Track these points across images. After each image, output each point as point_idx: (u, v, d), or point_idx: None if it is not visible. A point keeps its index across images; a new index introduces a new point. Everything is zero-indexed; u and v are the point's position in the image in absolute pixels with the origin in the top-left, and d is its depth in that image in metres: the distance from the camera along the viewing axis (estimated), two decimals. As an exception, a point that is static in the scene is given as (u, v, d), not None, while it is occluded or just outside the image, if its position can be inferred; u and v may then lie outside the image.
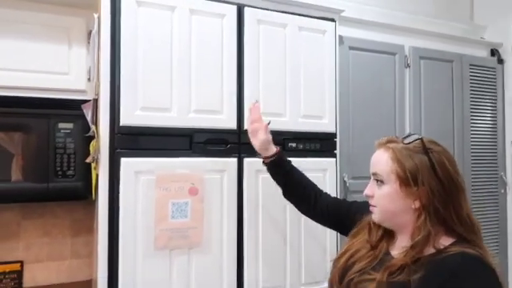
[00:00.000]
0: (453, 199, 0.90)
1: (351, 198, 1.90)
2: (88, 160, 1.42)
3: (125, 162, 1.30)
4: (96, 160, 1.36)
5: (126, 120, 1.31)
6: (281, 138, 1.55)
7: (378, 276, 0.91)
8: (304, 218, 1.40)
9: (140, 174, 1.31)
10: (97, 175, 1.45)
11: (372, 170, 0.99)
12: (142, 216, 1.30)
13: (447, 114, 2.28)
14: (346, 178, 1.88)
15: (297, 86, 1.59)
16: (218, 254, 1.41)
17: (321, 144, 1.65)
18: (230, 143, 1.46)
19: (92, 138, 1.52)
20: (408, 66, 2.15)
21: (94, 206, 1.82)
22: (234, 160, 1.46)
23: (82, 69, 1.59)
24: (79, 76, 1.59)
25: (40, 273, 1.83)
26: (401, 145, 0.95)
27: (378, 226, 1.02)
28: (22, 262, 1.80)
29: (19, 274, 1.79)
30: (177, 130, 1.38)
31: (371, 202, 0.99)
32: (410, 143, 0.94)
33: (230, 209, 1.43)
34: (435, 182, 0.89)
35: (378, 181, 0.97)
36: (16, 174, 1.50)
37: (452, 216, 0.90)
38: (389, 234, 1.02)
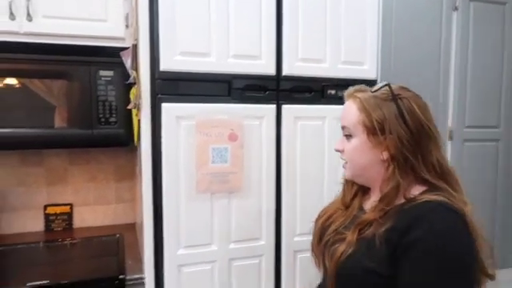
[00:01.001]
0: (422, 147, 0.86)
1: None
2: (130, 106, 1.45)
3: (166, 108, 1.31)
4: (137, 106, 1.38)
5: (165, 65, 1.31)
6: (320, 84, 1.52)
7: (349, 235, 0.89)
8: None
9: (181, 119, 1.32)
10: (138, 121, 1.49)
11: (341, 124, 0.96)
12: (184, 160, 1.33)
13: (496, 62, 2.14)
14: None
15: (337, 30, 1.52)
16: (257, 199, 1.44)
17: (361, 91, 1.60)
18: (268, 90, 1.44)
19: (132, 85, 1.55)
20: (456, 8, 2.01)
21: (136, 152, 1.88)
22: (273, 106, 1.44)
23: (120, 16, 1.57)
24: (117, 23, 1.57)
25: (88, 215, 1.95)
26: (368, 93, 0.91)
27: (352, 184, 1.01)
28: (71, 205, 1.92)
29: (69, 215, 1.92)
30: (216, 75, 1.37)
31: (342, 157, 0.98)
32: (377, 91, 0.91)
33: (268, 155, 1.44)
34: (403, 129, 0.85)
35: (346, 135, 0.95)
36: (60, 121, 1.56)
37: (420, 164, 0.86)
38: (363, 191, 1.01)
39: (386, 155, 0.88)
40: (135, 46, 1.41)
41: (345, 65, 1.54)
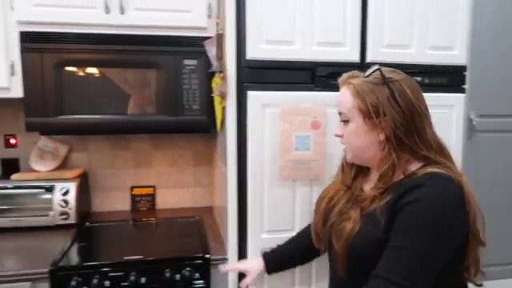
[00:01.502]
0: (416, 126, 0.91)
1: (477, 138, 1.75)
2: (215, 94, 1.50)
3: (252, 95, 1.34)
4: (223, 94, 1.42)
5: (251, 54, 1.33)
6: (406, 71, 1.45)
7: (352, 213, 0.95)
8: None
9: (266, 106, 1.35)
10: (223, 109, 1.54)
11: (337, 110, 1.02)
12: (268, 147, 1.36)
13: None
14: (472, 116, 1.73)
15: (425, 13, 1.44)
16: (338, 187, 1.43)
17: (448, 78, 1.52)
18: (351, 77, 1.42)
19: (214, 73, 1.60)
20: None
21: (215, 138, 1.95)
22: (356, 94, 1.42)
23: (203, 6, 1.63)
24: (200, 13, 1.63)
25: (169, 197, 2.07)
26: (361, 79, 0.95)
27: (351, 166, 1.06)
28: (154, 187, 2.05)
29: (153, 197, 2.05)
30: (299, 63, 1.37)
31: (341, 141, 1.03)
32: (369, 76, 0.95)
33: (350, 143, 1.43)
34: (396, 111, 0.90)
35: (344, 121, 1.00)
36: (149, 108, 1.66)
37: (417, 142, 0.91)
38: (363, 172, 1.06)
39: (382, 137, 0.93)
40: (220, 36, 1.45)
41: (433, 50, 1.47)
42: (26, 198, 1.72)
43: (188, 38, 1.64)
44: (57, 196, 1.72)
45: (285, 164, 1.37)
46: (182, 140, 2.05)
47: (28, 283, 1.34)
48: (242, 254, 1.43)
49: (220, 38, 1.44)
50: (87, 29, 1.56)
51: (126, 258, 1.43)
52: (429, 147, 0.93)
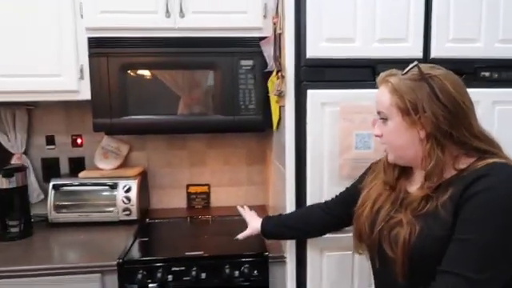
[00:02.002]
0: (461, 121, 0.88)
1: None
2: (272, 94, 1.51)
3: (311, 94, 1.34)
4: (281, 93, 1.43)
5: (311, 52, 1.33)
6: (472, 66, 1.40)
7: (402, 217, 0.92)
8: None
9: (325, 105, 1.34)
10: (279, 108, 1.55)
11: (376, 109, 0.99)
12: (328, 145, 1.35)
13: None
14: (543, 113, 1.62)
15: (495, 4, 1.37)
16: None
17: (519, 72, 1.44)
18: (413, 74, 1.38)
19: (270, 73, 1.61)
20: None
21: (267, 137, 1.96)
22: (419, 91, 1.37)
23: (259, 7, 1.64)
24: (256, 14, 1.65)
25: (223, 195, 2.12)
26: (399, 76, 0.94)
27: (393, 166, 1.02)
28: (209, 185, 2.10)
29: (207, 194, 2.10)
30: (360, 60, 1.35)
31: (381, 141, 1.01)
32: (406, 73, 0.93)
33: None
34: (438, 107, 0.87)
35: (382, 119, 0.97)
36: (207, 108, 1.70)
37: (466, 135, 0.89)
38: (406, 172, 1.02)
39: (422, 134, 0.90)
40: (279, 36, 1.46)
41: (503, 43, 1.39)
42: (92, 194, 1.83)
43: (244, 39, 1.66)
44: (120, 193, 1.80)
45: (344, 163, 1.36)
46: (236, 139, 2.08)
47: (98, 275, 1.42)
48: (301, 253, 1.43)
49: (278, 38, 1.45)
50: (149, 33, 1.63)
51: (187, 253, 1.48)
52: (478, 140, 0.90)
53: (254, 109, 1.69)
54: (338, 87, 1.34)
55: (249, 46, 1.66)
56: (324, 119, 1.35)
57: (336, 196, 1.29)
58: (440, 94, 0.88)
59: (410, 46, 1.36)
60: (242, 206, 1.54)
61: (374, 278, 1.10)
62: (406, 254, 0.90)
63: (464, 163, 0.90)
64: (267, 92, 1.66)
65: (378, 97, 0.99)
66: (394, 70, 0.97)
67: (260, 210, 2.01)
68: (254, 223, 1.41)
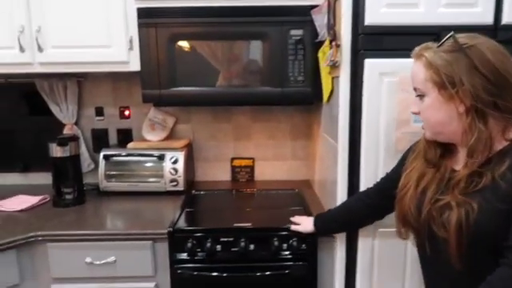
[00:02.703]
0: (506, 89, 0.83)
1: None
2: (325, 64, 1.46)
3: (369, 64, 1.27)
4: (335, 63, 1.37)
5: (370, 19, 1.26)
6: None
7: (450, 199, 0.87)
8: None
9: (384, 75, 1.27)
10: (332, 79, 1.49)
11: (412, 86, 0.96)
12: (384, 118, 1.29)
13: None
14: None
15: None
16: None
17: None
18: (481, 42, 1.28)
19: (320, 43, 1.55)
20: None
21: (312, 112, 1.92)
22: (486, 61, 1.27)
23: (311, -28, 1.57)
24: (308, -20, 1.58)
25: (267, 169, 2.10)
26: (434, 49, 0.89)
27: (434, 143, 0.97)
28: (253, 159, 2.09)
29: (252, 168, 2.09)
30: (423, 27, 1.26)
31: (420, 118, 0.96)
32: (442, 45, 0.88)
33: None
34: (478, 78, 0.83)
35: (419, 96, 0.93)
36: (254, 80, 1.67)
37: (509, 106, 0.84)
38: (450, 151, 0.97)
39: (461, 108, 0.86)
40: (334, 3, 1.38)
41: None
42: (140, 165, 1.86)
43: (294, 8, 1.61)
44: (167, 164, 1.83)
45: (402, 136, 1.29)
46: (281, 113, 2.04)
47: (150, 242, 1.45)
48: (352, 232, 1.40)
49: (333, 5, 1.38)
50: (198, 2, 1.60)
51: (236, 224, 1.48)
52: None
53: (302, 80, 1.64)
54: (397, 56, 1.26)
55: (299, 14, 1.60)
56: (382, 90, 1.28)
57: (377, 182, 1.26)
58: (479, 64, 0.83)
59: (479, 11, 1.25)
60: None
61: (423, 267, 1.06)
62: (464, 234, 0.85)
63: None
64: (317, 63, 1.61)
65: (412, 72, 0.95)
66: (429, 43, 0.93)
67: (304, 184, 2.00)
68: (307, 223, 1.42)
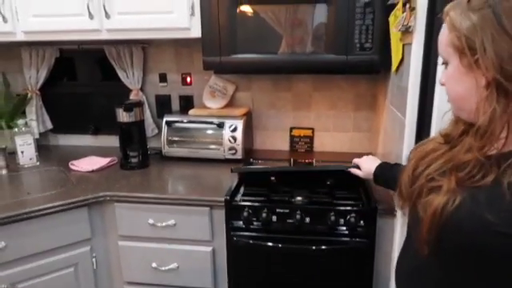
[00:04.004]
0: None
1: None
2: (396, 29, 1.33)
3: (447, 29, 1.13)
4: (408, 29, 1.25)
5: (453, -23, 1.11)
6: None
7: (445, 183, 0.73)
8: None
9: (464, 43, 1.13)
10: (403, 46, 1.36)
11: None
12: (462, 92, 1.16)
13: None
14: None
15: None
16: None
17: None
18: None
19: (392, 7, 1.41)
20: None
21: (379, 80, 1.79)
22: None
23: None
24: None
25: (327, 140, 2.04)
26: (462, 6, 0.71)
27: (461, 122, 0.79)
28: (313, 129, 2.03)
29: (311, 139, 2.04)
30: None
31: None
32: (470, 0, 0.69)
33: None
34: (505, 42, 0.64)
35: (444, 64, 0.77)
36: (317, 47, 1.58)
37: None
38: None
39: (482, 81, 0.68)
40: (411, -41, 1.24)
41: None
42: (200, 132, 1.89)
43: (365, -34, 1.46)
44: (226, 132, 1.84)
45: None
46: (343, 82, 1.94)
47: (207, 208, 1.49)
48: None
49: (410, -38, 1.24)
50: (260, -37, 1.52)
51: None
52: None
53: (370, 48, 1.52)
54: (483, 21, 1.11)
55: (370, -26, 1.46)
56: (460, 60, 1.14)
57: None
58: (508, 25, 0.65)
59: None
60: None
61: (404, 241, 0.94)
62: (435, 223, 0.72)
63: None
64: (387, 29, 1.48)
65: (440, 36, 0.78)
66: (460, 0, 0.73)
67: (366, 158, 1.91)
68: (368, 167, 1.36)
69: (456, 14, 0.72)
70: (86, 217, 1.52)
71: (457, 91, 0.76)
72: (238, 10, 1.58)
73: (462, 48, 0.70)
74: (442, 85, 0.81)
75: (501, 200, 0.66)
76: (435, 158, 0.82)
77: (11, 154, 1.87)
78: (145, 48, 2.03)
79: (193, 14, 1.63)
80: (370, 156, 1.42)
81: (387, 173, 1.29)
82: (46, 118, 2.18)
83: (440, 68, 0.83)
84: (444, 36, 0.76)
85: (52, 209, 1.44)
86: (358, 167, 1.41)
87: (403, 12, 1.28)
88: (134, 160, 1.83)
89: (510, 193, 0.65)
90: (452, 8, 0.74)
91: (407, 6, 1.24)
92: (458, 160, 0.75)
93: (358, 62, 1.55)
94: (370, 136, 1.98)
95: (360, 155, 1.92)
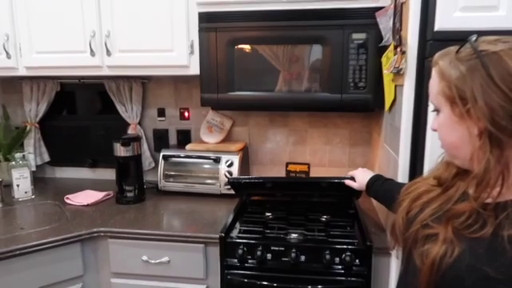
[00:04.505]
0: None
1: None
2: (388, 71, 1.37)
3: (437, 73, 1.17)
4: (399, 71, 1.28)
5: (441, 23, 1.15)
6: None
7: (440, 230, 0.73)
8: None
9: (454, 86, 1.16)
10: (395, 87, 1.40)
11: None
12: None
13: None
14: None
15: None
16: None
17: None
18: None
19: (384, 48, 1.46)
20: None
21: (373, 117, 1.83)
22: None
23: (375, -28, 1.48)
24: (372, -19, 1.49)
25: (322, 175, 2.04)
26: (451, 56, 0.73)
27: (453, 165, 0.80)
28: (308, 165, 2.04)
29: (307, 174, 2.04)
30: (504, 33, 1.07)
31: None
32: (459, 50, 0.72)
33: None
34: (495, 93, 0.66)
35: (436, 110, 0.78)
36: (313, 85, 1.62)
37: None
38: (469, 175, 0.76)
39: (475, 130, 0.69)
40: (401, 5, 1.29)
41: None
42: (197, 166, 1.90)
43: (357, 10, 1.53)
44: (223, 167, 1.85)
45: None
46: (339, 118, 1.97)
47: (202, 245, 1.48)
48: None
49: (400, 8, 1.29)
50: (257, 6, 1.59)
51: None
52: None
53: (364, 87, 1.56)
54: (471, 65, 1.15)
55: (362, 17, 1.52)
56: (451, 102, 1.17)
57: None
58: (497, 76, 0.66)
59: None
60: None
61: (397, 283, 0.92)
62: (434, 274, 0.71)
63: None
64: (380, 69, 1.52)
65: (430, 83, 0.79)
66: (451, 48, 0.75)
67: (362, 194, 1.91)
68: (362, 179, 1.43)
69: (445, 64, 0.74)
70: (78, 253, 1.50)
71: (450, 139, 0.77)
72: (235, 50, 1.62)
73: (453, 97, 0.71)
74: (434, 130, 0.82)
75: (501, 254, 0.65)
76: (429, 202, 0.82)
77: (6, 187, 1.87)
78: (144, 83, 2.07)
79: (192, 52, 1.68)
80: (365, 168, 1.48)
81: (379, 187, 1.36)
82: (44, 150, 2.19)
83: (432, 110, 0.84)
84: (434, 84, 0.77)
85: (44, 245, 1.43)
86: (353, 179, 1.47)
87: (395, 54, 1.32)
88: (129, 194, 1.83)
89: (510, 247, 0.64)
90: (441, 57, 0.76)
91: (398, 49, 1.28)
92: (454, 209, 0.75)
93: (352, 100, 1.58)
94: (366, 172, 1.99)
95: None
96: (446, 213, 0.76)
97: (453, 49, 0.75)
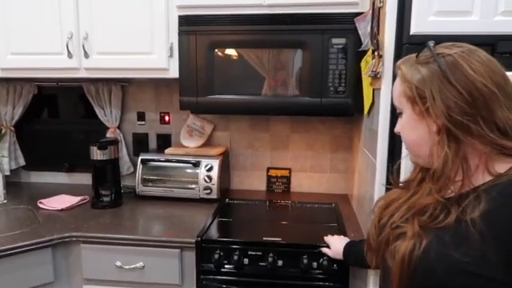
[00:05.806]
0: (481, 112, 0.70)
1: None
2: (366, 75, 1.38)
3: (413, 76, 1.18)
4: (376, 74, 1.29)
5: (417, 28, 1.16)
6: None
7: (408, 228, 0.75)
8: None
9: (429, 89, 1.17)
10: (373, 91, 1.40)
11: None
12: (429, 136, 1.19)
13: None
14: None
15: None
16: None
17: None
18: (545, 54, 1.14)
19: (363, 53, 1.47)
20: None
21: (354, 123, 1.83)
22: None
23: (354, -21, 1.50)
24: (352, -13, 1.51)
25: (304, 181, 2.04)
26: (411, 60, 0.80)
27: (418, 168, 0.85)
28: (290, 170, 2.03)
29: (288, 179, 2.04)
30: (477, 37, 1.13)
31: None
32: (419, 55, 0.79)
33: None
34: (450, 92, 0.71)
35: (399, 114, 0.84)
36: (293, 89, 1.61)
37: (484, 129, 0.70)
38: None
39: (434, 127, 0.75)
40: (378, 10, 1.30)
41: None
42: (176, 171, 1.87)
43: (337, 15, 1.55)
44: (202, 171, 1.82)
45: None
46: (320, 124, 1.97)
47: (178, 250, 1.45)
48: (388, 251, 1.30)
49: (377, 12, 1.30)
50: (238, 10, 1.59)
51: (265, 238, 1.43)
52: (506, 136, 0.71)
53: (343, 91, 1.57)
54: (446, 69, 1.16)
55: (342, 22, 1.53)
56: (426, 105, 1.18)
57: None
58: (452, 76, 0.72)
59: (543, 19, 1.12)
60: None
61: None
62: (405, 269, 0.73)
63: (502, 166, 0.71)
64: (359, 74, 1.53)
65: (393, 86, 0.85)
66: (412, 55, 0.82)
67: (341, 198, 1.92)
68: (338, 247, 1.33)
69: (407, 68, 0.80)
70: (49, 259, 1.45)
71: (411, 138, 0.81)
72: (215, 53, 1.61)
73: (414, 97, 0.77)
74: (398, 133, 0.87)
75: (466, 238, 0.68)
76: (398, 207, 0.85)
77: (-22, 191, 1.81)
78: (124, 86, 2.04)
79: (171, 55, 1.66)
80: (341, 236, 1.40)
81: (354, 248, 1.27)
82: (20, 154, 2.13)
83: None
84: (397, 87, 0.83)
85: (13, 250, 1.37)
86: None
87: (373, 58, 1.33)
88: (105, 199, 1.78)
89: (474, 230, 0.67)
90: (403, 62, 0.83)
91: (376, 53, 1.29)
92: (419, 204, 0.78)
93: (332, 104, 1.58)
94: (347, 177, 1.99)
95: (336, 196, 1.94)
96: (412, 209, 0.79)
97: (413, 55, 0.81)
